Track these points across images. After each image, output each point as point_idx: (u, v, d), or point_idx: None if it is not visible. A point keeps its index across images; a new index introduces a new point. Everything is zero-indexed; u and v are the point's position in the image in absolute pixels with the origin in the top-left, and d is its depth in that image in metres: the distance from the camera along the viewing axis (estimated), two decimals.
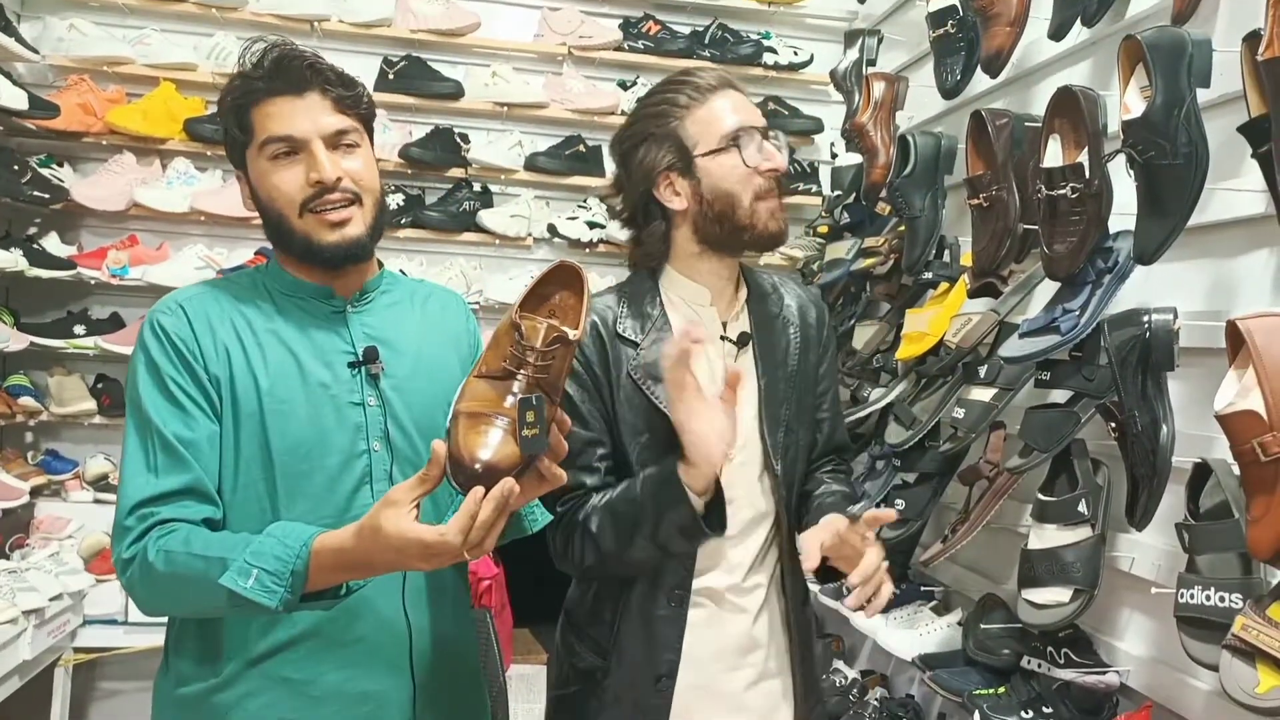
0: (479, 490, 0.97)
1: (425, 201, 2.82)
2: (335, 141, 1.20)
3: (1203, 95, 1.42)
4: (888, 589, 1.26)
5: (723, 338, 1.41)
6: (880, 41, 2.62)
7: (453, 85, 2.79)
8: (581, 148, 2.87)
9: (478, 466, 0.97)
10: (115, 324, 2.68)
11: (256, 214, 1.25)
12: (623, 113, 2.92)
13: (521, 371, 1.01)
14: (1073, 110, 1.56)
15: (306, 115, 1.19)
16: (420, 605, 1.22)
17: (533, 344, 1.01)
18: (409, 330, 1.28)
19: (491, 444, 0.98)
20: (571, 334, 1.02)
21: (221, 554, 1.05)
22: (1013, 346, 1.63)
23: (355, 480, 1.18)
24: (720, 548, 1.37)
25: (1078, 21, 1.74)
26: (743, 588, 1.38)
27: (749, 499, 1.38)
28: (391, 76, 2.76)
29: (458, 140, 2.79)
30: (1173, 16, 1.56)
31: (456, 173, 2.82)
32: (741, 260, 1.45)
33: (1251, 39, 1.30)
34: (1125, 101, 1.41)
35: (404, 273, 2.60)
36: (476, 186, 2.84)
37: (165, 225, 2.71)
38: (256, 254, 2.62)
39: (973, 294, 1.94)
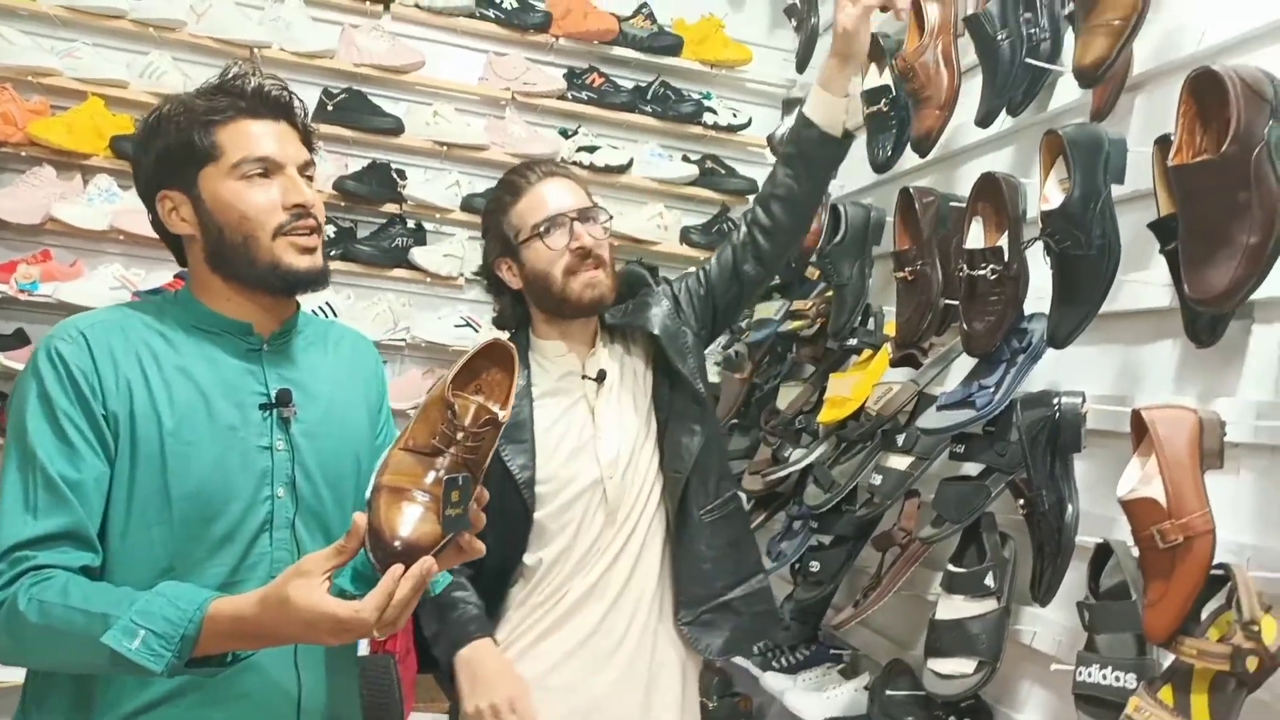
0: (398, 568, 0.96)
1: (357, 235, 2.78)
2: (301, 172, 1.20)
3: (1116, 190, 1.49)
4: None
5: (584, 377, 1.67)
6: None
7: (392, 121, 2.78)
8: None
9: (398, 544, 0.96)
10: (20, 340, 2.56)
11: (179, 235, 1.21)
12: (562, 160, 2.94)
13: (450, 450, 1.01)
14: (995, 195, 1.63)
15: (285, 141, 1.19)
16: (314, 663, 1.18)
17: (463, 423, 1.00)
18: (322, 373, 1.25)
19: (412, 521, 0.97)
20: (501, 415, 1.02)
21: (104, 609, 0.99)
22: (930, 419, 1.67)
23: (255, 528, 1.14)
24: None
25: (1003, 110, 1.82)
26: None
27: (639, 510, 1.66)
28: (331, 108, 2.73)
29: (394, 176, 2.77)
30: (1091, 113, 1.65)
31: (391, 208, 2.79)
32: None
33: (1163, 142, 1.38)
34: (1045, 192, 1.47)
35: (329, 305, 2.56)
36: (410, 223, 2.81)
37: (81, 242, 2.62)
38: (176, 277, 2.55)
39: (895, 363, 1.99)
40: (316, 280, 1.19)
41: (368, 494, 1.00)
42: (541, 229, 1.60)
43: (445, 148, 2.83)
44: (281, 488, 1.16)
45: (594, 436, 1.65)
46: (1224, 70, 1.17)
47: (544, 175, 1.65)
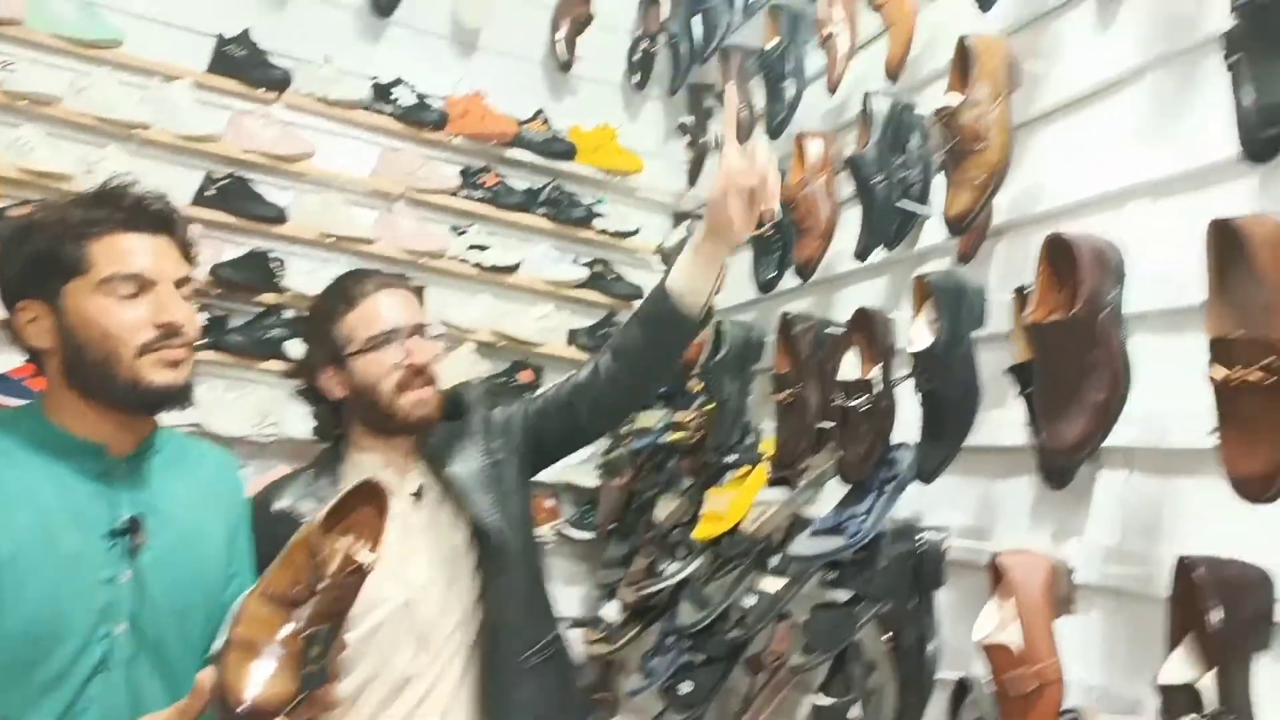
0: None
1: (228, 324, 2.67)
2: (178, 288, 1.15)
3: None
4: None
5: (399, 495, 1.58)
6: None
7: (275, 210, 2.71)
8: None
9: (243, 710, 0.90)
10: None
11: (43, 350, 1.14)
12: (452, 257, 2.93)
13: (311, 600, 0.95)
14: (868, 328, 1.69)
15: (162, 256, 1.14)
16: None
17: (327, 572, 0.95)
18: (179, 496, 1.18)
19: (262, 681, 0.91)
20: (369, 563, 0.98)
21: None
22: (802, 545, 1.69)
23: (88, 670, 1.05)
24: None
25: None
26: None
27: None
28: (212, 192, 2.64)
29: (273, 266, 2.69)
30: (958, 255, 1.75)
31: (268, 298, 2.70)
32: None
33: (1020, 291, 1.47)
34: (915, 333, 1.54)
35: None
36: (288, 314, 2.72)
37: None
38: (28, 361, 2.38)
39: (771, 483, 2.02)
40: (178, 397, 1.14)
41: (218, 645, 0.94)
42: (376, 342, 1.55)
43: (331, 239, 2.78)
44: (122, 624, 1.08)
45: (404, 556, 1.54)
46: (1074, 238, 1.25)
47: (380, 286, 1.61)
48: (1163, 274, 1.32)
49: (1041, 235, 1.39)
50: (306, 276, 2.73)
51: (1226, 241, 1.06)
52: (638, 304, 3.07)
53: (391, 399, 1.55)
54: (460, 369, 2.88)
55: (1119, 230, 1.40)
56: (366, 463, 1.59)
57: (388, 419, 1.57)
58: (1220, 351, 1.04)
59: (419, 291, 2.83)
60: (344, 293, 1.61)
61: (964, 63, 1.55)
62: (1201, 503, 1.26)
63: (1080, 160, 1.55)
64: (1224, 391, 1.03)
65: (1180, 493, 1.31)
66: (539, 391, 1.79)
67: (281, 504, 1.51)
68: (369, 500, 1.05)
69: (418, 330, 1.59)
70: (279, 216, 2.72)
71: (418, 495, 1.61)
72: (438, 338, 1.65)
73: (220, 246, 2.68)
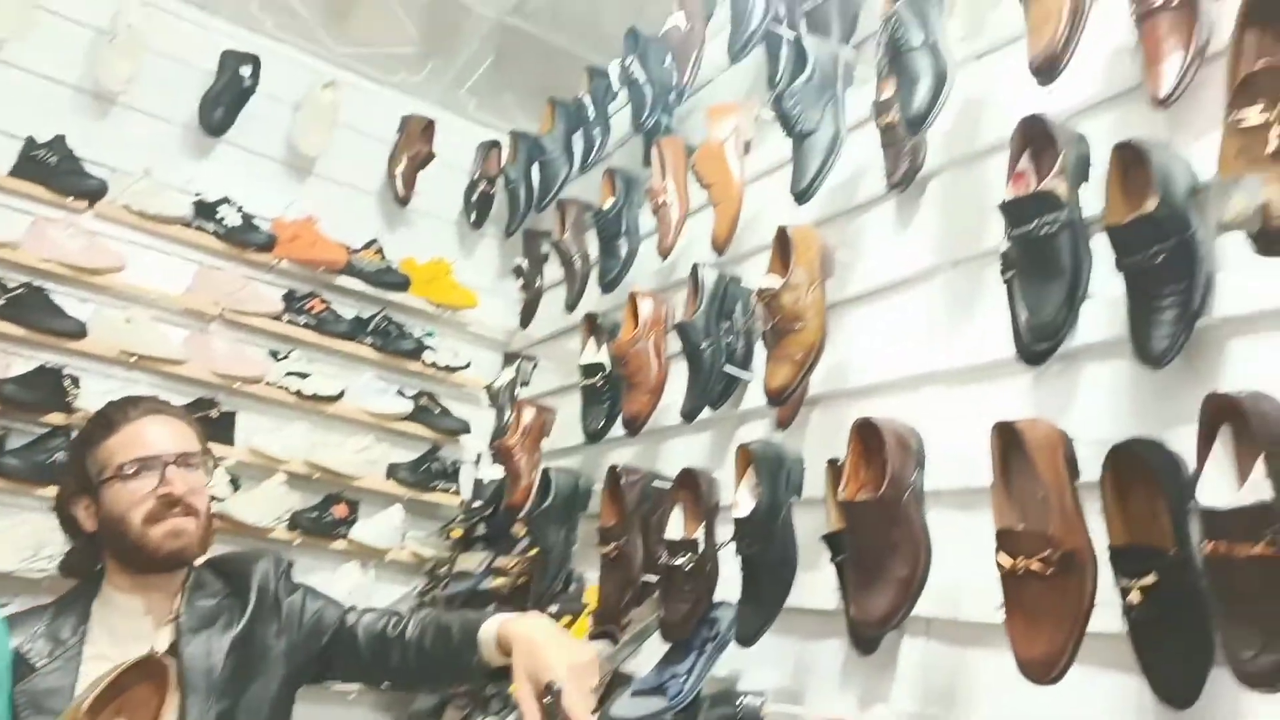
0: None
1: (7, 444, 2.43)
2: None
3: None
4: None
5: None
6: (535, 367, 2.81)
7: (74, 325, 2.53)
8: (213, 413, 2.68)
9: None
10: None
11: None
12: (270, 383, 2.82)
13: None
14: (694, 487, 1.75)
15: None
16: None
17: None
18: None
19: None
20: None
21: None
22: (624, 706, 1.69)
23: None
24: None
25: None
26: None
27: None
28: (2, 302, 2.45)
29: (65, 384, 2.49)
30: (778, 421, 1.85)
31: (56, 418, 2.49)
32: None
33: (833, 463, 1.57)
34: (738, 497, 1.61)
35: None
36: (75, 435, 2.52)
37: None
38: None
39: (593, 636, 2.01)
40: None
41: None
42: (127, 470, 1.44)
43: (134, 357, 2.61)
44: None
45: None
46: (880, 423, 1.36)
47: (146, 413, 1.51)
48: (956, 455, 1.45)
49: (852, 408, 1.50)
50: (104, 397, 2.52)
51: (1008, 442, 1.19)
52: (465, 439, 3.11)
53: (142, 531, 1.43)
54: (269, 500, 2.74)
55: (918, 411, 1.53)
56: (121, 603, 1.45)
57: (137, 552, 1.44)
58: (1005, 541, 1.15)
59: (225, 419, 2.72)
60: (104, 419, 1.50)
61: (784, 249, 1.68)
62: (993, 672, 1.35)
63: (884, 344, 1.70)
64: (1009, 579, 1.14)
65: (973, 662, 1.41)
66: (354, 608, 1.57)
67: (13, 642, 1.33)
68: (147, 676, 0.96)
69: (181, 460, 1.48)
70: (78, 331, 2.55)
71: (173, 652, 1.41)
72: (210, 469, 1.53)
73: (8, 360, 2.47)
